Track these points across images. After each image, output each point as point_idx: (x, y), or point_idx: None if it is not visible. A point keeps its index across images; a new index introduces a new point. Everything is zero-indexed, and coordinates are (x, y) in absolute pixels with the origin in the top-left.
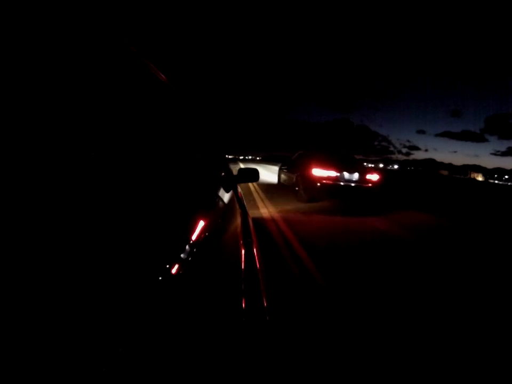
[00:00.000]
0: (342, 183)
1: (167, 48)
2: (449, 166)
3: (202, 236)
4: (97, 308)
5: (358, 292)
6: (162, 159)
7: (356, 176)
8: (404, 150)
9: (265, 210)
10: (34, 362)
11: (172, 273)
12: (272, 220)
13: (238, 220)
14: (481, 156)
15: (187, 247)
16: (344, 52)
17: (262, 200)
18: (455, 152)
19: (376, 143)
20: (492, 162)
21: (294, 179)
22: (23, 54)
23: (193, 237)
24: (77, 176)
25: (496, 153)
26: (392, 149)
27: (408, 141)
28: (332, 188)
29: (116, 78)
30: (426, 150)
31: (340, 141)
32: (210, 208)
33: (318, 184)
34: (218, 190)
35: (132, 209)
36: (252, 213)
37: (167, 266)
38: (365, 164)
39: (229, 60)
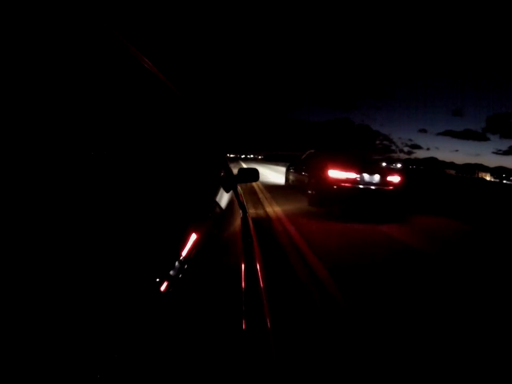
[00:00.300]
0: (361, 186)
1: (167, 47)
2: (452, 165)
3: (200, 240)
4: (88, 318)
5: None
6: (161, 159)
7: (376, 178)
8: (406, 149)
9: (273, 213)
10: (28, 367)
11: (171, 279)
12: (282, 226)
13: (238, 220)
14: (483, 154)
15: (185, 251)
16: (345, 51)
17: (270, 204)
18: (457, 151)
19: (377, 142)
20: (493, 161)
21: (306, 181)
22: (21, 51)
23: (191, 242)
24: (74, 175)
25: (498, 152)
26: (393, 148)
27: (410, 139)
28: (350, 192)
29: (114, 77)
30: (428, 149)
31: (340, 140)
32: (209, 209)
33: (335, 187)
34: (218, 190)
35: (127, 214)
36: (258, 216)
37: (165, 273)
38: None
39: (229, 59)
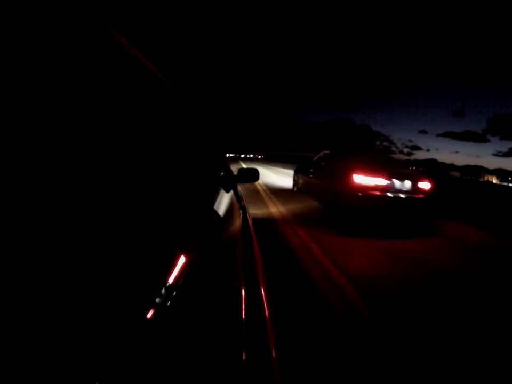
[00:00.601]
0: (390, 194)
1: (167, 46)
2: (452, 166)
3: (198, 243)
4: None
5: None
6: (159, 159)
7: (407, 184)
8: (406, 150)
9: (281, 218)
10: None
11: (167, 285)
12: (296, 235)
13: (238, 220)
14: (483, 156)
15: (181, 260)
16: (347, 51)
17: (278, 210)
18: (457, 152)
19: (377, 142)
20: (493, 163)
21: (321, 187)
22: (22, 51)
23: (188, 246)
24: (67, 173)
25: (498, 154)
26: (393, 148)
27: (410, 140)
28: (378, 201)
29: (112, 75)
30: (428, 150)
31: (341, 140)
32: (208, 210)
33: (360, 194)
34: (218, 190)
35: (119, 217)
36: (265, 218)
37: (159, 280)
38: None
39: (230, 59)
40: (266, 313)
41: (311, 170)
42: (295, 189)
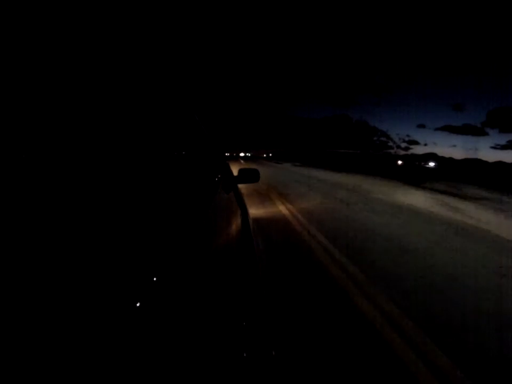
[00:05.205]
0: None
1: (163, 44)
2: (451, 160)
3: (198, 242)
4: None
5: None
6: (158, 160)
7: None
8: (403, 145)
9: None
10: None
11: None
12: None
13: (238, 220)
14: (481, 149)
15: (178, 257)
16: (344, 46)
17: None
18: (455, 146)
19: (375, 138)
20: (491, 156)
21: None
22: (23, 50)
23: (187, 244)
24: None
25: (496, 147)
26: (391, 143)
27: (408, 135)
28: None
29: (111, 75)
30: (425, 145)
31: (339, 137)
32: (207, 211)
33: None
34: (217, 190)
35: (116, 216)
36: None
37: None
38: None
39: (227, 57)
40: (267, 314)
41: None
42: None
